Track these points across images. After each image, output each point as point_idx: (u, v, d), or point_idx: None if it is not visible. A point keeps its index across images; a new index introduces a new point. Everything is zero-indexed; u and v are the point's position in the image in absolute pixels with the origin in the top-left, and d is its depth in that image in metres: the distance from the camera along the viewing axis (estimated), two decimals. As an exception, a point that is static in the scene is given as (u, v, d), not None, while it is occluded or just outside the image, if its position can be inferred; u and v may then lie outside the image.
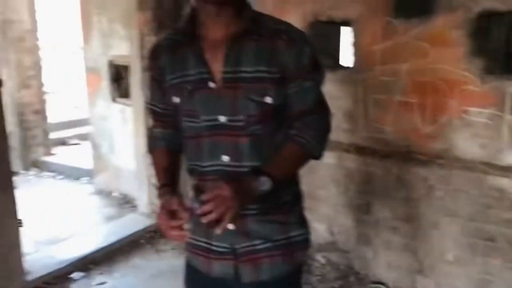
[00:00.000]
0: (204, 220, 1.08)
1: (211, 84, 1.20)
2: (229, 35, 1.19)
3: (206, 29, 1.21)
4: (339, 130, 2.85)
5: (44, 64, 5.68)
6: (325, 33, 2.92)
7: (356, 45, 2.77)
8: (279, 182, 1.20)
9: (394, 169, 2.70)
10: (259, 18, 1.23)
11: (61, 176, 5.29)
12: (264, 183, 1.16)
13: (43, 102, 5.64)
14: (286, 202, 1.30)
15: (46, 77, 5.79)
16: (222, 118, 1.20)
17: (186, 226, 1.15)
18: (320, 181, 2.98)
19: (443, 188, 2.54)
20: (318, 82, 1.27)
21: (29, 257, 2.97)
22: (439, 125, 2.52)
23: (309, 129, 1.25)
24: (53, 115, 6.35)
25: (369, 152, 2.79)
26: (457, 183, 2.50)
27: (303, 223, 1.36)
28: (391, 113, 2.68)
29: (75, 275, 3.02)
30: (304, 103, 1.25)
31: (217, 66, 1.19)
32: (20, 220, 2.63)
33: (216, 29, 1.20)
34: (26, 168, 5.42)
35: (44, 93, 5.67)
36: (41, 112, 5.61)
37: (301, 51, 1.20)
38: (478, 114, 2.40)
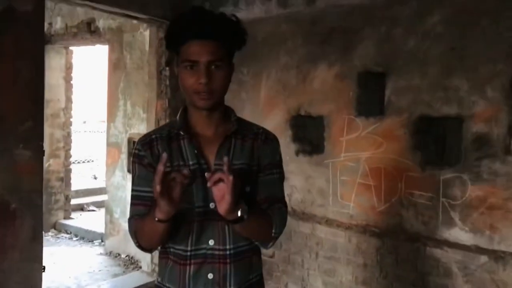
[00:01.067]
0: (212, 184, 1.19)
1: (207, 175, 1.29)
2: (220, 134, 1.40)
3: (198, 127, 1.41)
4: (314, 205, 3.43)
5: (72, 137, 6.42)
6: (305, 124, 3.58)
7: (328, 135, 3.42)
8: (245, 231, 1.32)
9: (354, 239, 3.22)
10: (242, 122, 1.47)
11: (77, 238, 5.85)
12: (244, 210, 1.24)
13: (68, 171, 6.30)
14: (256, 282, 1.46)
15: (73, 149, 6.49)
16: (212, 205, 1.33)
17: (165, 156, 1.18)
18: (296, 248, 3.49)
19: (393, 257, 3.04)
20: (283, 178, 1.48)
21: (44, 301, 3.46)
22: (391, 204, 3.08)
23: (276, 214, 1.41)
24: (75, 183, 7.01)
25: (335, 224, 3.33)
26: (403, 253, 3.00)
27: None
28: (354, 192, 3.25)
29: (81, 319, 3.50)
30: (272, 192, 1.43)
31: (211, 160, 1.38)
32: (44, 266, 3.16)
33: (206, 128, 1.41)
34: (46, 229, 5.87)
35: (69, 163, 6.36)
36: (64, 180, 6.25)
37: (275, 150, 1.47)
38: (420, 196, 2.96)
